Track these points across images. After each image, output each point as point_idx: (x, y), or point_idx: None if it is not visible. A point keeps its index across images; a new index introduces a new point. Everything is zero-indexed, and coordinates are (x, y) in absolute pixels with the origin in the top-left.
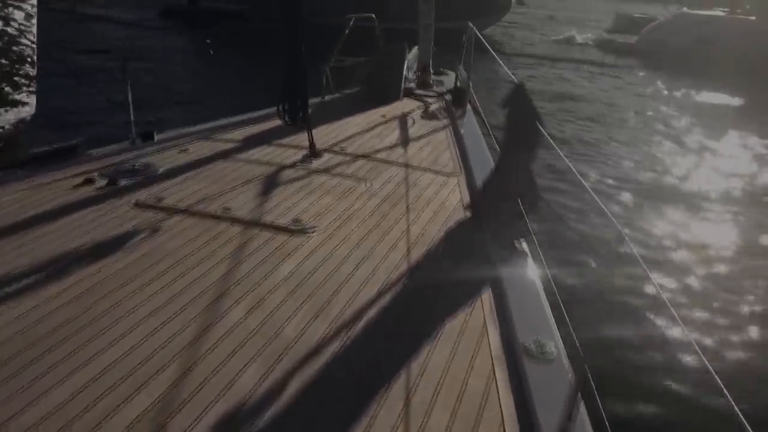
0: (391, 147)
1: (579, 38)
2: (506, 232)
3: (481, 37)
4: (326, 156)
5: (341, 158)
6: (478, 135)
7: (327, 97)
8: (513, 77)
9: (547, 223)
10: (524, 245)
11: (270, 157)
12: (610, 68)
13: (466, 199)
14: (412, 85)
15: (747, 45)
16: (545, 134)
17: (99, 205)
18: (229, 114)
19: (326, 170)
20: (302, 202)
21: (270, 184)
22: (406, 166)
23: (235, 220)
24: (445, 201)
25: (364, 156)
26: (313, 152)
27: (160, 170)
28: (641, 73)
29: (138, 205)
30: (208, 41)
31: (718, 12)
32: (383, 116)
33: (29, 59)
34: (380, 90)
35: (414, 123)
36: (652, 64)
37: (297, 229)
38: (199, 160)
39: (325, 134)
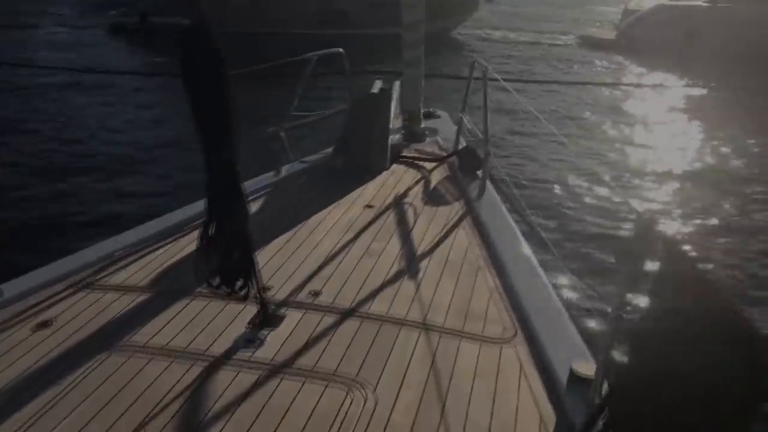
0: (391, 281)
1: (558, 37)
2: None
3: (497, 76)
4: (287, 320)
5: (313, 321)
6: (516, 236)
7: (284, 171)
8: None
9: None
10: None
11: (187, 336)
12: (588, 66)
13: (549, 415)
14: (398, 137)
15: (729, 35)
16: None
17: None
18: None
19: (287, 364)
20: None
21: (181, 425)
22: (425, 327)
23: None
24: (516, 427)
25: (350, 311)
26: (265, 317)
27: None
28: (618, 70)
29: None
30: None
31: (699, 2)
32: (369, 206)
33: None
34: (359, 157)
35: (417, 216)
36: (634, 60)
37: None
38: (49, 367)
39: (281, 256)
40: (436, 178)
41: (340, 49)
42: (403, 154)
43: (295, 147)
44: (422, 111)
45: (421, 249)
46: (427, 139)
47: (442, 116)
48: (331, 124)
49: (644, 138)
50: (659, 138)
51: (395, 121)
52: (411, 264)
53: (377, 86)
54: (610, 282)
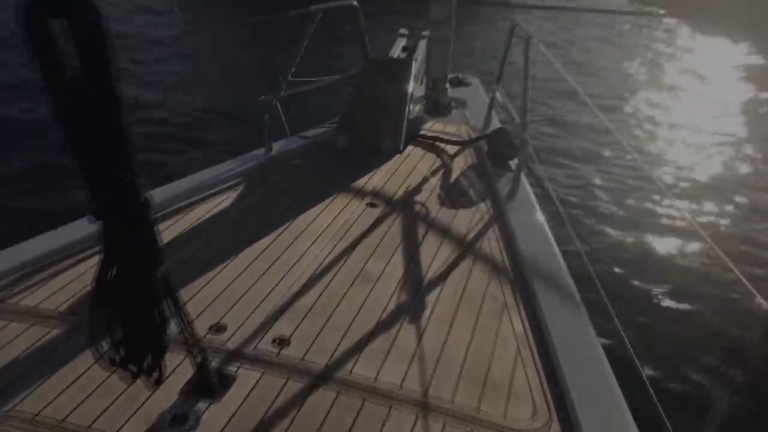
0: (386, 325)
1: None
2: None
3: (542, 48)
4: (237, 385)
5: (272, 388)
6: (555, 259)
7: (276, 149)
8: None
9: None
10: None
11: (93, 406)
12: (641, 28)
13: None
14: (419, 108)
15: None
16: None
17: None
18: None
19: None
20: None
21: None
22: (424, 407)
23: None
24: None
25: (324, 374)
26: (205, 380)
27: None
28: (672, 34)
29: None
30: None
31: None
32: (372, 204)
33: None
34: (367, 137)
35: (430, 223)
36: (689, 23)
37: None
38: None
39: (248, 276)
40: (459, 166)
41: (354, 1)
42: (422, 132)
43: (293, 119)
44: (450, 77)
45: (430, 273)
46: (453, 112)
47: (474, 84)
48: (339, 92)
49: (711, 121)
50: (727, 121)
51: (417, 88)
52: (416, 298)
53: (400, 45)
54: (686, 351)
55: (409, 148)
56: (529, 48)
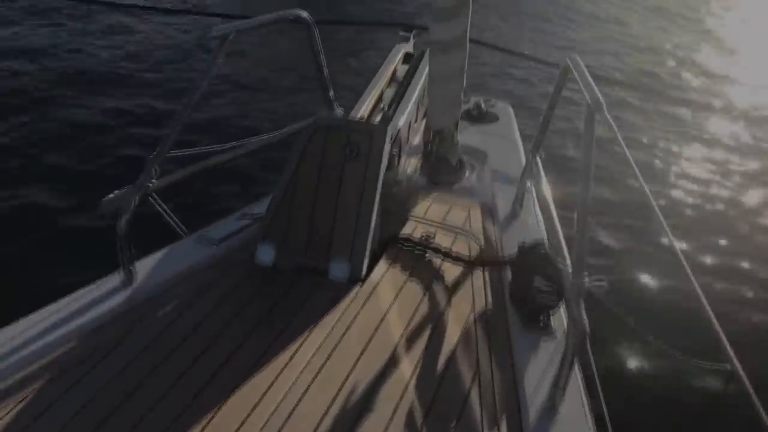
0: None
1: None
2: None
3: (608, 117)
4: None
5: None
6: None
7: (142, 274)
8: None
9: None
10: None
11: None
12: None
13: None
14: (413, 163)
15: None
16: None
17: None
18: None
19: None
20: None
21: None
22: None
23: None
24: None
25: None
26: None
27: None
28: None
29: None
30: None
31: None
32: None
33: None
34: (307, 251)
35: None
36: None
37: None
38: None
39: None
40: (459, 317)
41: (302, 12)
42: (406, 230)
43: (189, 204)
44: (467, 107)
45: None
46: (466, 176)
47: (503, 118)
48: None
49: None
50: None
51: (413, 134)
52: None
53: (399, 53)
54: None
55: (380, 267)
56: (594, 117)
